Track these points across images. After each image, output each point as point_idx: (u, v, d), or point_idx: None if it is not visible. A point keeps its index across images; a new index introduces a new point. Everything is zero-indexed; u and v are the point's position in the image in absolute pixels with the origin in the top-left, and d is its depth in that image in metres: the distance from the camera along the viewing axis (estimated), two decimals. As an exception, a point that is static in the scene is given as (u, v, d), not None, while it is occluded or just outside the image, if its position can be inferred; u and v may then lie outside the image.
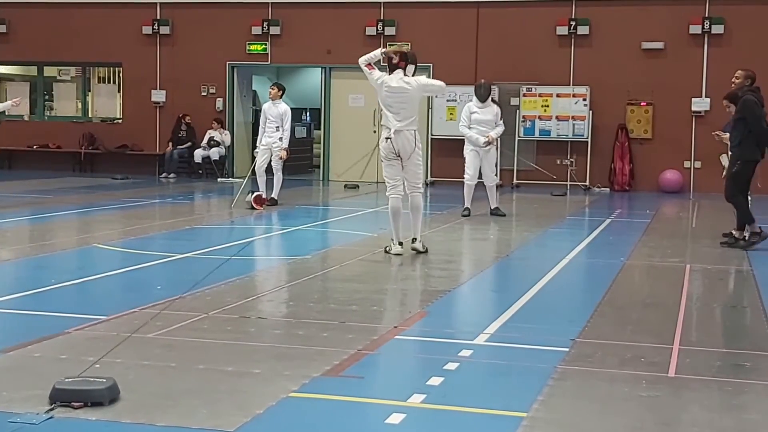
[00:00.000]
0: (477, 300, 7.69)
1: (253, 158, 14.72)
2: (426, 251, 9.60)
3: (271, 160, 14.32)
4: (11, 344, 5.55)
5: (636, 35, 18.84)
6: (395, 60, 9.51)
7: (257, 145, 14.60)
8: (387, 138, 9.39)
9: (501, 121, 13.44)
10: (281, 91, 14.51)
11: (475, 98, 13.34)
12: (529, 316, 6.80)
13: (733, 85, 10.71)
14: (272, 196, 14.28)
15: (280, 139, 14.20)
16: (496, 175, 13.95)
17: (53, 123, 22.79)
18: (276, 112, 14.21)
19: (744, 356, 5.83)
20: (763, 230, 10.43)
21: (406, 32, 19.85)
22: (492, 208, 13.36)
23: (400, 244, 9.48)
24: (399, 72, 9.48)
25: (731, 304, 7.79)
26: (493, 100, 13.56)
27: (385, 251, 9.52)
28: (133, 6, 21.38)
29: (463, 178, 13.34)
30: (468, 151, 13.21)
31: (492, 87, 13.64)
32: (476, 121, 13.12)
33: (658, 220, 13.86)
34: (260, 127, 14.49)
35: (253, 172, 14.40)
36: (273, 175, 14.32)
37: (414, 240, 9.58)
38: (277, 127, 14.19)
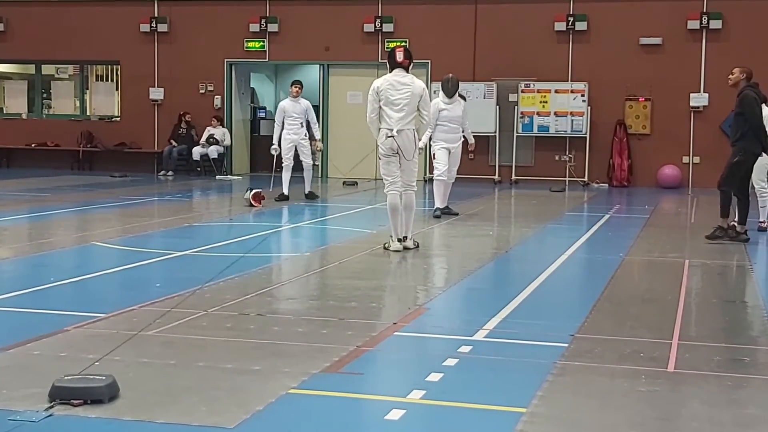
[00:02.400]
0: (476, 296, 7.69)
1: (271, 155, 14.95)
2: (417, 246, 9.62)
3: (298, 156, 14.68)
4: (10, 342, 5.54)
5: (634, 31, 18.84)
6: (399, 58, 9.45)
7: (274, 142, 14.84)
8: (389, 136, 9.34)
9: (467, 122, 12.96)
10: (302, 88, 14.98)
11: (442, 94, 12.72)
12: (528, 312, 6.79)
13: (729, 81, 10.73)
14: (308, 190, 14.87)
15: (306, 135, 14.71)
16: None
17: (51, 121, 22.77)
18: (300, 108, 14.65)
19: (743, 351, 5.84)
20: (731, 231, 10.51)
21: (403, 29, 19.87)
22: (442, 206, 12.81)
23: (399, 240, 9.48)
24: (401, 71, 9.46)
25: (730, 299, 7.79)
26: (459, 95, 12.95)
27: (384, 248, 9.52)
28: (131, 4, 21.36)
29: (436, 175, 12.61)
30: (438, 148, 12.58)
31: (459, 82, 13.02)
32: (445, 118, 12.51)
33: (657, 216, 13.87)
34: (276, 125, 14.75)
35: (278, 169, 14.69)
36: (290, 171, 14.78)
37: (405, 238, 9.54)
38: (301, 123, 14.62)
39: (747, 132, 10.37)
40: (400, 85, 9.38)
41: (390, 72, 9.51)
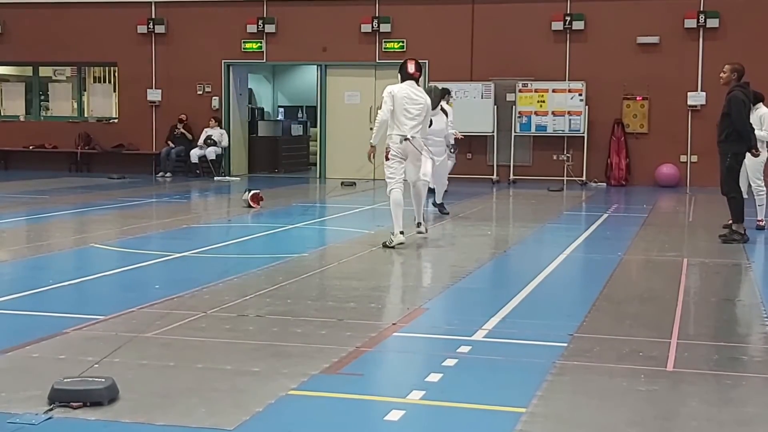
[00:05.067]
0: (475, 296, 7.69)
1: None
2: (426, 231, 10.26)
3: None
4: (10, 345, 5.54)
5: (631, 30, 18.85)
6: (411, 70, 9.83)
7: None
8: (404, 140, 9.75)
9: (451, 124, 12.87)
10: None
11: None
12: (527, 312, 6.80)
13: (720, 79, 10.69)
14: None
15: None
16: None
17: (49, 123, 22.76)
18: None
19: (742, 349, 5.84)
20: (747, 233, 10.47)
21: (401, 29, 19.87)
22: (438, 202, 13.02)
23: (402, 233, 9.73)
24: (413, 83, 9.87)
25: (728, 298, 7.80)
26: (442, 109, 12.56)
27: (383, 246, 9.61)
28: (128, 5, 21.36)
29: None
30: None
31: (444, 91, 12.70)
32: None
33: (655, 215, 13.87)
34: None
35: None
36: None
37: (419, 224, 10.15)
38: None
39: (732, 132, 10.33)
40: (416, 96, 9.81)
41: (402, 82, 9.85)
